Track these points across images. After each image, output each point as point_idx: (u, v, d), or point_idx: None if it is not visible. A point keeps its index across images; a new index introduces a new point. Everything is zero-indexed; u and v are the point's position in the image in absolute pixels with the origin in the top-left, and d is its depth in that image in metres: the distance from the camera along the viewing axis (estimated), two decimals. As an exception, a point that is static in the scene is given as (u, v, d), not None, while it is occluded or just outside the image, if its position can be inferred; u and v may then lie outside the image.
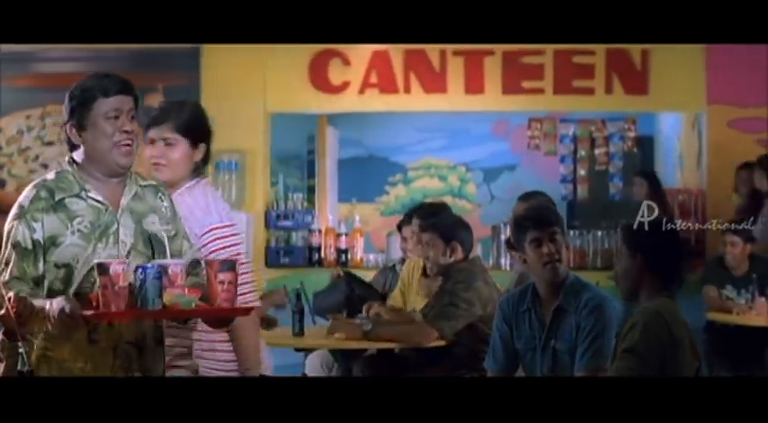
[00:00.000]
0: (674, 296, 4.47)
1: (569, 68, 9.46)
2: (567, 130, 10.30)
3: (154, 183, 4.22)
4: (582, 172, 10.40)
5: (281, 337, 6.75)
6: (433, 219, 6.98)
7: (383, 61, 9.69)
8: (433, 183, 12.26)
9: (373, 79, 9.73)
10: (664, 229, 4.57)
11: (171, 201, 4.21)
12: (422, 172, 12.27)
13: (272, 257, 9.90)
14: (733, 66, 8.84)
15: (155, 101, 9.62)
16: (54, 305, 3.76)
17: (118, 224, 4.03)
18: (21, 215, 3.98)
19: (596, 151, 10.28)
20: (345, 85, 9.74)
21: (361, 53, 9.67)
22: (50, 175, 4.11)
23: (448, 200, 12.01)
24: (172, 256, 4.09)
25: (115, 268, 3.76)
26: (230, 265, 3.87)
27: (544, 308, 5.43)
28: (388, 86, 9.73)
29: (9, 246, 3.98)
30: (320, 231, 10.09)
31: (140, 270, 3.79)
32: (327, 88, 9.71)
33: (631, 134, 10.04)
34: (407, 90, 9.70)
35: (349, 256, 9.84)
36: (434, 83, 9.69)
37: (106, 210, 4.03)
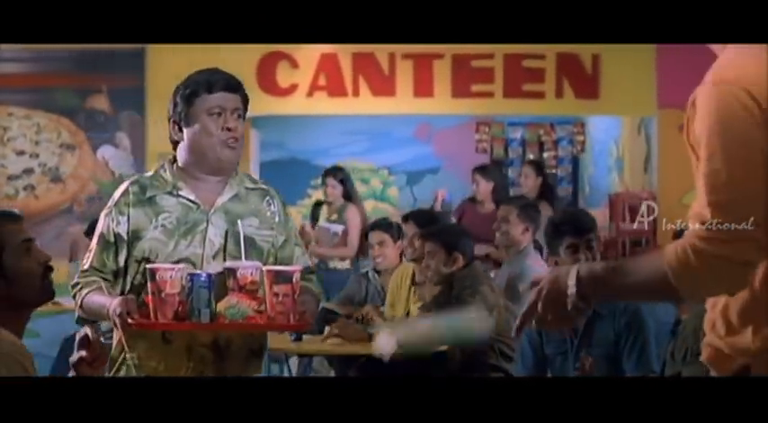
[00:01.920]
0: None
1: (519, 72, 9.48)
2: (516, 134, 10.34)
3: (264, 187, 4.12)
4: (530, 176, 10.46)
5: (281, 342, 6.62)
6: (434, 227, 6.95)
7: (332, 64, 9.59)
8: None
9: (322, 82, 9.63)
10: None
11: (282, 206, 4.10)
12: (344, 175, 12.17)
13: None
14: (683, 70, 8.96)
15: (99, 103, 9.46)
16: (110, 305, 3.73)
17: (207, 223, 3.95)
18: (110, 208, 3.97)
19: (545, 155, 10.35)
20: (293, 87, 9.62)
21: (309, 56, 9.56)
22: (148, 173, 4.10)
23: (370, 203, 12.05)
24: (280, 263, 4.00)
25: (162, 274, 3.71)
26: (286, 277, 3.76)
27: (573, 312, 5.43)
28: (336, 89, 9.64)
29: (96, 236, 4.00)
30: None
31: (188, 277, 3.74)
32: (275, 91, 9.58)
33: (580, 138, 10.13)
34: (356, 93, 9.62)
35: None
36: (383, 86, 9.62)
37: (197, 208, 3.96)
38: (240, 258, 3.88)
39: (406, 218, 7.49)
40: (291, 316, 3.76)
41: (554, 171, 10.39)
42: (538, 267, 7.12)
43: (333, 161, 12.06)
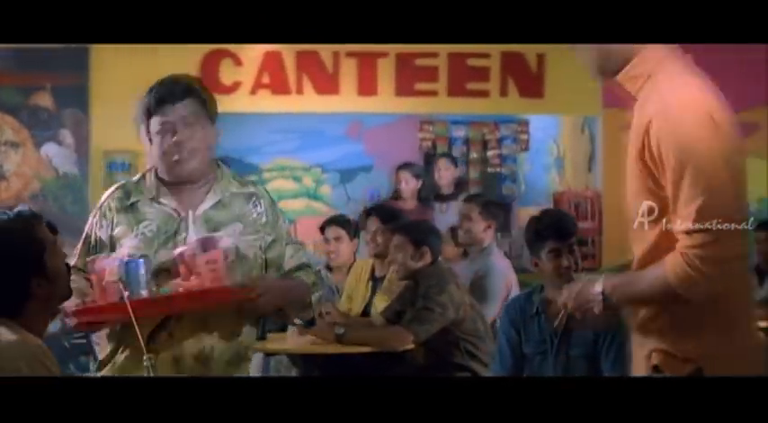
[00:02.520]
0: None
1: (464, 71, 9.51)
2: (459, 133, 10.36)
3: (251, 189, 4.10)
4: (474, 174, 10.49)
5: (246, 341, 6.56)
6: (404, 221, 6.96)
7: (275, 62, 9.55)
8: (287, 184, 12.09)
9: (265, 80, 9.58)
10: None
11: (271, 205, 4.08)
12: (276, 173, 12.09)
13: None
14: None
15: (42, 100, 9.29)
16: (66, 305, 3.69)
17: (188, 232, 3.93)
18: (96, 210, 4.01)
19: (488, 153, 10.37)
20: (236, 85, 9.56)
21: (252, 54, 9.50)
22: (135, 177, 4.11)
23: (303, 202, 12.00)
24: (269, 264, 4.00)
25: (100, 263, 3.76)
26: (211, 244, 3.79)
27: (555, 312, 5.45)
28: (280, 87, 9.59)
29: (83, 235, 4.02)
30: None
31: (124, 264, 3.75)
32: (218, 89, 9.46)
33: (524, 136, 10.17)
34: (300, 91, 9.59)
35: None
36: (327, 84, 9.60)
37: (178, 216, 3.94)
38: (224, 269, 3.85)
39: (368, 212, 7.48)
40: (225, 282, 3.76)
41: (498, 170, 10.42)
42: (504, 265, 7.17)
43: (265, 159, 12.04)
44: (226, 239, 3.84)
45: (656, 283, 2.99)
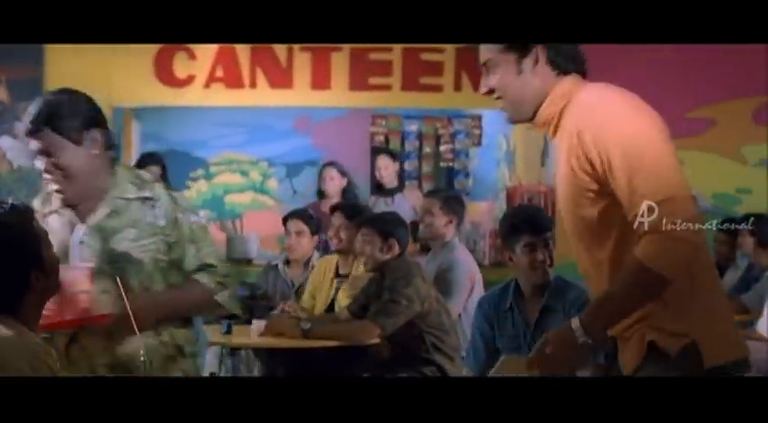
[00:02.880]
0: None
1: (418, 65, 9.51)
2: (412, 127, 10.35)
3: (147, 194, 4.02)
4: (426, 169, 10.50)
5: (212, 335, 6.59)
6: (372, 214, 6.97)
7: (229, 56, 9.52)
8: (234, 178, 12.11)
9: (219, 74, 9.56)
10: None
11: (172, 207, 4.01)
12: (223, 167, 12.09)
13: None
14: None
15: (-3, 93, 9.22)
16: None
17: (83, 243, 3.94)
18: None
19: (441, 148, 10.38)
20: (190, 79, 9.52)
21: (206, 48, 9.48)
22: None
23: (249, 195, 12.00)
24: (171, 265, 3.99)
25: (69, 273, 3.70)
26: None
27: (528, 306, 5.51)
28: (233, 81, 9.56)
29: None
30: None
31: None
32: (172, 82, 9.48)
33: (477, 131, 10.18)
34: (253, 85, 9.57)
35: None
36: (281, 78, 9.58)
37: (73, 228, 3.97)
38: (123, 275, 3.84)
39: (333, 209, 7.47)
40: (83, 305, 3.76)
41: (451, 164, 10.43)
42: (467, 260, 7.20)
43: (211, 153, 12.03)
44: (82, 266, 3.83)
45: (630, 286, 3.08)
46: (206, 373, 6.36)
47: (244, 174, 12.12)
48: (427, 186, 10.58)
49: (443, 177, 11.30)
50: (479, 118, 10.31)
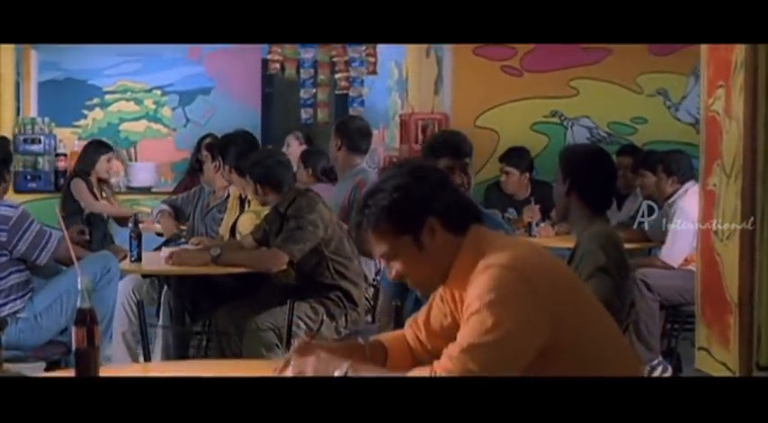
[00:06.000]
0: (607, 220, 4.67)
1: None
2: (308, 55, 10.38)
3: None
4: (322, 96, 10.57)
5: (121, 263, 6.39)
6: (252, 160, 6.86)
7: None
8: (129, 106, 12.18)
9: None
10: (595, 155, 4.72)
11: None
12: (118, 95, 12.14)
13: (21, 183, 9.62)
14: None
15: None
16: None
17: None
18: None
19: (336, 76, 10.44)
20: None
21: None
22: None
23: (143, 124, 12.08)
24: None
25: None
26: None
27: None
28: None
29: None
30: (65, 155, 9.93)
31: None
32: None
33: (372, 59, 10.23)
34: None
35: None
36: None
37: None
38: None
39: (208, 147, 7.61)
40: None
41: (346, 92, 10.50)
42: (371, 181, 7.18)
43: (107, 82, 12.05)
44: None
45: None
46: (119, 302, 6.39)
47: (138, 102, 12.17)
48: (322, 114, 10.64)
49: (339, 105, 11.43)
50: (374, 46, 10.37)
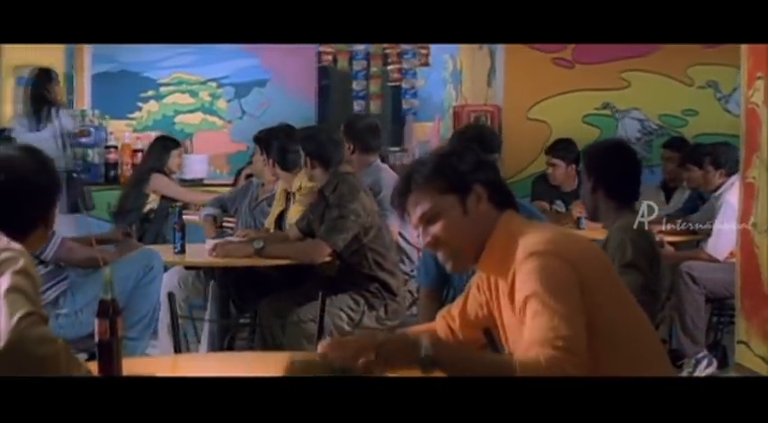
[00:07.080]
0: (635, 212, 4.64)
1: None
2: (360, 47, 10.38)
3: None
4: (374, 88, 10.58)
5: (165, 255, 6.40)
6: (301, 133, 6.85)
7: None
8: (184, 99, 12.21)
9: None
10: (615, 148, 4.79)
11: None
12: (173, 88, 12.20)
13: (70, 175, 9.72)
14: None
15: None
16: None
17: None
18: None
19: (389, 67, 10.44)
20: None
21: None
22: None
23: (199, 116, 12.16)
24: None
25: None
26: None
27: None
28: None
29: None
30: (116, 148, 10.02)
31: None
32: None
33: (424, 51, 10.22)
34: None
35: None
36: None
37: None
38: None
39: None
40: None
41: (398, 84, 10.51)
42: (389, 177, 7.15)
43: (162, 74, 12.13)
44: None
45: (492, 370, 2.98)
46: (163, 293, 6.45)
47: (193, 94, 12.24)
48: (375, 106, 10.66)
49: (391, 97, 11.42)
50: (426, 38, 10.30)
